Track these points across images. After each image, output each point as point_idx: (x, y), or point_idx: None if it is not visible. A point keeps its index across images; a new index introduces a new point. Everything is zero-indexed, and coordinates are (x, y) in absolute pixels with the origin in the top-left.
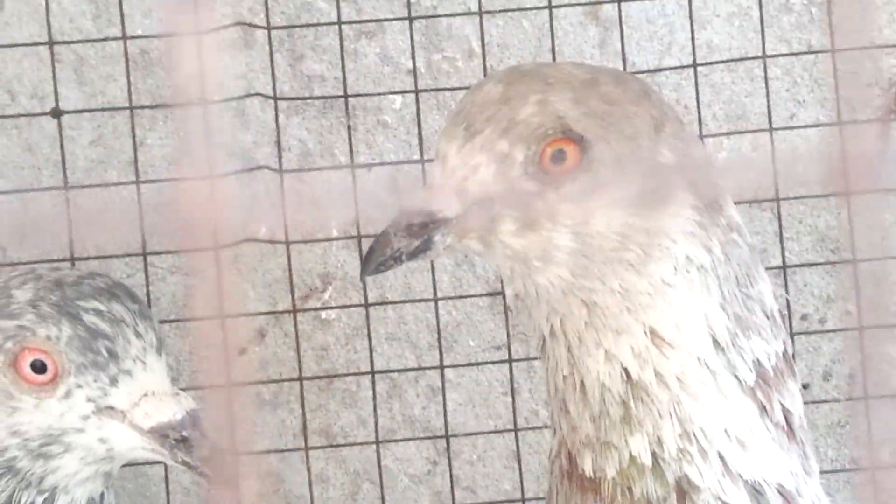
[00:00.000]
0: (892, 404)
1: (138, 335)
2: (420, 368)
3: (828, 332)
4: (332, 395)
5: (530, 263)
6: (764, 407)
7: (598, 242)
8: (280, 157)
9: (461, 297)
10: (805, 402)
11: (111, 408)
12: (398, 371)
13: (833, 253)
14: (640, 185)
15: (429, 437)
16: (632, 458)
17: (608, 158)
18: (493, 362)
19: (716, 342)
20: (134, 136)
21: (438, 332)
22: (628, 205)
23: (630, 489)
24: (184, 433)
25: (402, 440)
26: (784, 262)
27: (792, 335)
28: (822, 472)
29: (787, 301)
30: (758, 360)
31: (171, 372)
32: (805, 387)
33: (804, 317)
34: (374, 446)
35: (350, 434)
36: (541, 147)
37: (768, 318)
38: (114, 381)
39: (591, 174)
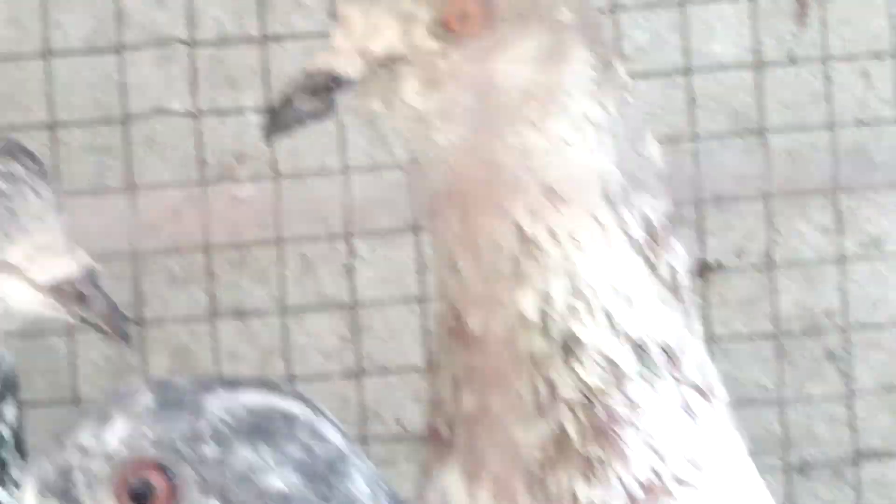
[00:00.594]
0: (802, 278)
1: (37, 193)
2: (332, 243)
3: (741, 208)
4: (243, 271)
5: (431, 123)
6: (652, 264)
7: (501, 100)
8: (194, 34)
9: (374, 169)
10: (717, 278)
11: (8, 263)
12: (310, 245)
13: (748, 130)
14: (542, 43)
15: (340, 311)
16: (520, 314)
17: (511, 17)
18: (405, 237)
19: (608, 198)
20: (47, 17)
21: (350, 209)
22: (530, 61)
23: (515, 346)
24: (81, 289)
25: (313, 314)
26: (695, 135)
27: (705, 212)
28: (732, 342)
29: (699, 177)
30: (648, 217)
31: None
32: (718, 265)
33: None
34: (284, 322)
35: (261, 310)
36: (445, 6)
37: (657, 177)
38: (11, 238)
39: (494, 33)
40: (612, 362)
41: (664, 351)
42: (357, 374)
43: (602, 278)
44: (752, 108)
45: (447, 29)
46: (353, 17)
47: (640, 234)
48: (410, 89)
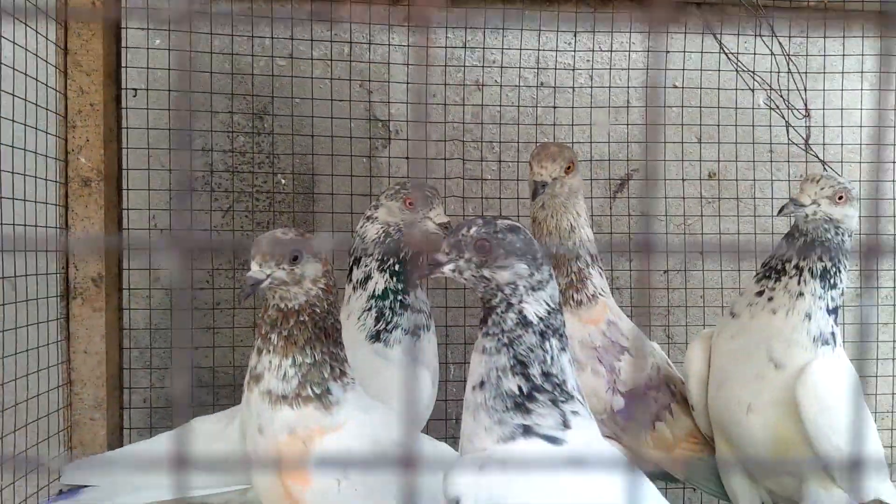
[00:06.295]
0: None
1: None
2: None
3: None
4: None
5: (558, 197)
6: None
7: (572, 191)
8: None
9: None
10: None
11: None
12: None
13: None
14: (579, 178)
15: None
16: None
17: (574, 169)
18: None
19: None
20: None
21: None
22: (578, 183)
23: None
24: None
25: None
26: None
27: None
28: None
29: None
30: None
31: None
32: None
33: None
34: None
35: None
36: (566, 165)
37: None
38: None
39: (573, 173)
40: None
41: None
42: None
43: None
44: None
45: (566, 171)
46: (546, 164)
47: None
48: (559, 186)
